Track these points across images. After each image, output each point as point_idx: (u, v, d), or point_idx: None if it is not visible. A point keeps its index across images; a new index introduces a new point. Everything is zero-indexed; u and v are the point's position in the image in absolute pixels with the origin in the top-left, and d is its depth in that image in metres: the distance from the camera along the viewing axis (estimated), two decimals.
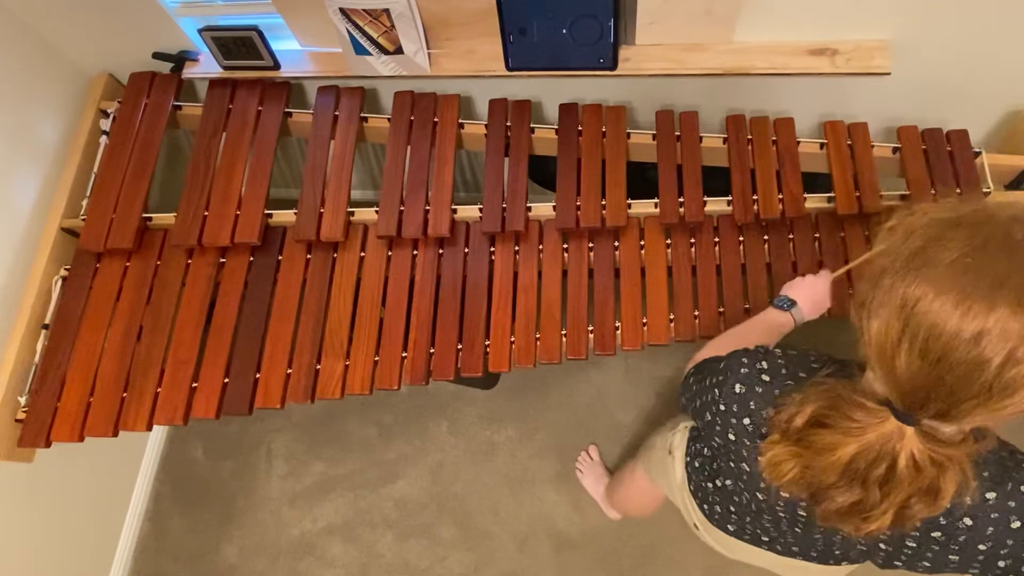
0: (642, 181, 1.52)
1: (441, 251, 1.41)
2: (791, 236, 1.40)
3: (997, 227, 0.59)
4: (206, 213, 1.41)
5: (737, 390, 0.80)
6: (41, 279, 1.39)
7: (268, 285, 1.39)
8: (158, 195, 1.76)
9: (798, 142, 1.45)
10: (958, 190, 1.39)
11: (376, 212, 1.41)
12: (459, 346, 1.33)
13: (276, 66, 1.49)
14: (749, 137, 1.45)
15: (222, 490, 1.93)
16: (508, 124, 1.48)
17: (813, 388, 0.70)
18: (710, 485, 1.00)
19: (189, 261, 1.41)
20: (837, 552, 0.89)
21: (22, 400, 1.33)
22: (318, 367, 1.32)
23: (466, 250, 1.41)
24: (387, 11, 1.31)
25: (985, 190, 1.39)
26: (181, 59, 1.52)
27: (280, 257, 1.41)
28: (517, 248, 1.41)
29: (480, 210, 1.41)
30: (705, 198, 1.40)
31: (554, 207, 1.40)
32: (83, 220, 1.42)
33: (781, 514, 0.85)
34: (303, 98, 1.60)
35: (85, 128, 1.50)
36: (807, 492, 0.71)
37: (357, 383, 1.30)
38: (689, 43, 1.39)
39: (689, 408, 0.92)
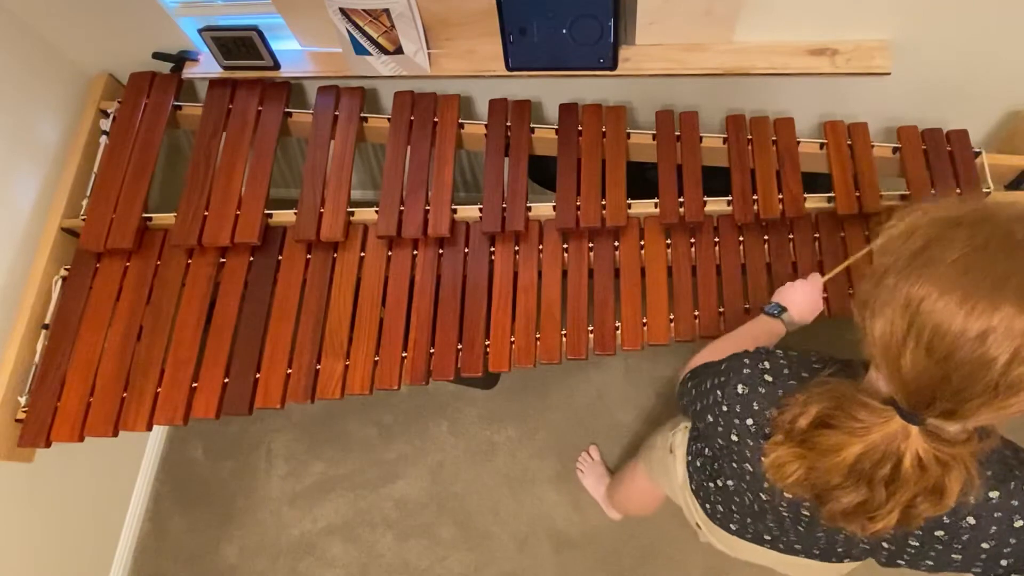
0: (642, 181, 1.52)
1: (441, 251, 1.41)
2: (791, 236, 1.40)
3: (998, 226, 0.59)
4: (206, 213, 1.41)
5: (740, 391, 0.80)
6: (41, 279, 1.39)
7: (268, 285, 1.39)
8: (158, 195, 1.76)
9: (798, 142, 1.45)
10: (958, 190, 1.39)
11: (376, 212, 1.41)
12: (459, 346, 1.33)
13: (276, 66, 1.49)
14: (749, 137, 1.46)
15: (222, 490, 1.93)
16: (508, 124, 1.48)
17: (817, 388, 0.70)
18: (712, 485, 1.00)
19: (189, 261, 1.41)
20: (840, 550, 0.89)
21: (22, 400, 1.33)
22: (318, 367, 1.32)
23: (466, 250, 1.41)
24: (387, 11, 1.31)
25: (985, 190, 1.39)
26: (181, 59, 1.52)
27: (280, 257, 1.41)
28: (517, 248, 1.41)
29: (480, 210, 1.41)
30: (705, 198, 1.40)
31: (554, 207, 1.40)
32: (83, 220, 1.42)
33: (784, 514, 0.85)
34: (303, 98, 1.60)
35: (85, 128, 1.50)
36: (812, 493, 0.71)
37: (357, 383, 1.30)
38: (689, 43, 1.39)
39: (689, 411, 0.92)
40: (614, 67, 1.39)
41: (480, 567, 1.81)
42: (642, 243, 1.40)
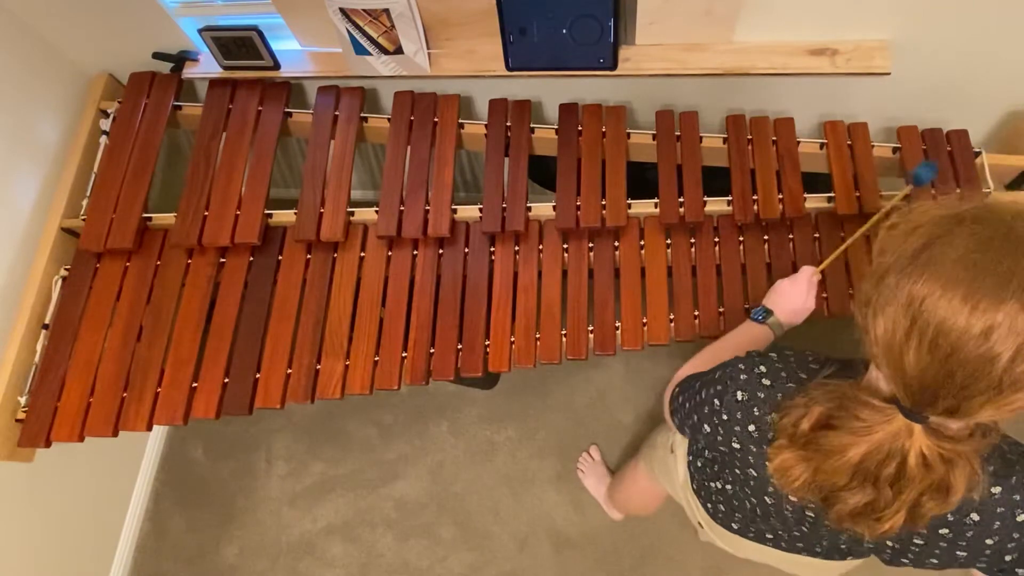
0: (642, 181, 1.52)
1: (441, 251, 1.41)
2: (791, 236, 1.40)
3: (1000, 223, 0.59)
4: (206, 213, 1.41)
5: (739, 397, 0.79)
6: (41, 279, 1.39)
7: (268, 285, 1.39)
8: (158, 195, 1.76)
9: (798, 142, 1.45)
10: (958, 190, 1.39)
11: (376, 212, 1.41)
12: (459, 346, 1.33)
13: (276, 66, 1.49)
14: (749, 137, 1.45)
15: (222, 490, 1.93)
16: (508, 124, 1.48)
17: (817, 390, 0.70)
18: (713, 485, 1.00)
19: (189, 261, 1.41)
20: (843, 547, 0.89)
21: (22, 400, 1.33)
22: (318, 367, 1.32)
23: (466, 250, 1.41)
24: (387, 11, 1.31)
25: (985, 190, 1.39)
26: (181, 59, 1.52)
27: (280, 257, 1.41)
28: (517, 248, 1.41)
29: (480, 210, 1.41)
30: (705, 198, 1.40)
31: (554, 207, 1.40)
32: (83, 220, 1.42)
33: (789, 515, 0.85)
34: (303, 98, 1.60)
35: (85, 128, 1.50)
36: (818, 496, 0.71)
37: (357, 383, 1.30)
38: (689, 43, 1.39)
39: (685, 425, 0.90)
40: (614, 67, 1.39)
41: (480, 567, 1.81)
42: (642, 243, 1.40)
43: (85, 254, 1.41)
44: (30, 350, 1.36)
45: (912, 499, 0.65)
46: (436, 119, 1.49)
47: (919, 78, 1.42)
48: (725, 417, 0.81)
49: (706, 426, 0.84)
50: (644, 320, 1.34)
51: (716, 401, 0.82)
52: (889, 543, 0.80)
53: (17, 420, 1.32)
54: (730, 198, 1.39)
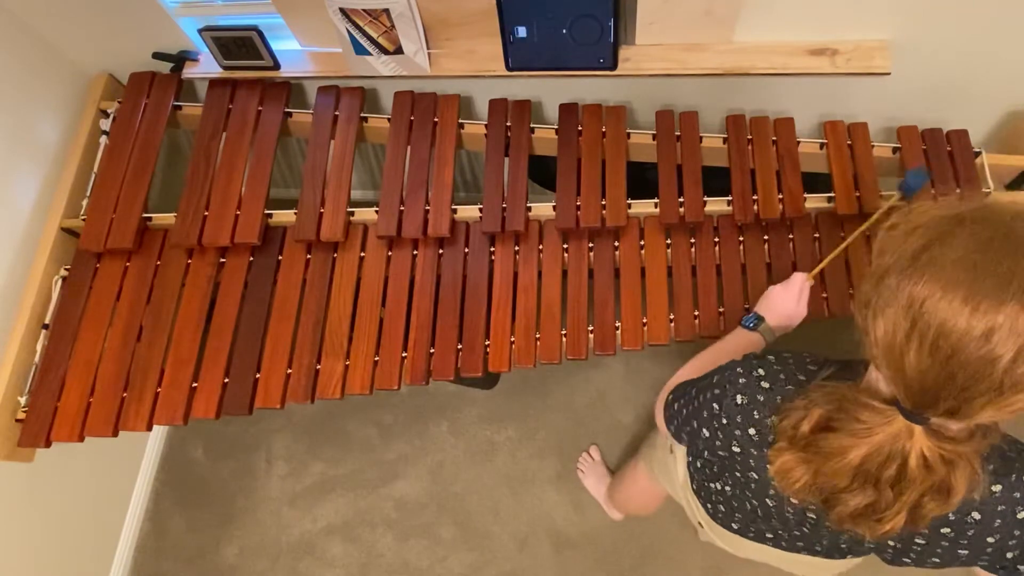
0: (642, 181, 1.52)
1: (441, 251, 1.41)
2: (791, 236, 1.40)
3: (1000, 224, 0.59)
4: (206, 213, 1.41)
5: (739, 401, 0.79)
6: (41, 279, 1.39)
7: (268, 285, 1.39)
8: (158, 195, 1.76)
9: (798, 142, 1.45)
10: (958, 190, 1.39)
11: (376, 212, 1.41)
12: (459, 346, 1.33)
13: (276, 66, 1.49)
14: (749, 137, 1.45)
15: (222, 490, 1.93)
16: (508, 124, 1.48)
17: (817, 392, 0.70)
18: (713, 486, 1.00)
19: (189, 261, 1.41)
20: (843, 546, 0.89)
21: (22, 400, 1.33)
22: (318, 367, 1.32)
23: (466, 250, 1.41)
24: (387, 11, 1.31)
25: (985, 190, 1.39)
26: (181, 59, 1.52)
27: (280, 257, 1.41)
28: (517, 248, 1.41)
29: (480, 210, 1.41)
30: (705, 198, 1.40)
31: (554, 207, 1.40)
32: (83, 220, 1.42)
33: (790, 516, 0.85)
34: (303, 98, 1.60)
35: (85, 128, 1.50)
36: (819, 498, 0.71)
37: (357, 383, 1.30)
38: (689, 43, 1.39)
39: (683, 432, 0.90)
40: (614, 67, 1.39)
41: (480, 567, 1.81)
42: (642, 243, 1.40)
43: (85, 254, 1.41)
44: (30, 350, 1.36)
45: (913, 500, 0.65)
46: (436, 119, 1.49)
47: (919, 78, 1.42)
48: (724, 421, 0.81)
49: (705, 431, 0.84)
50: (644, 320, 1.34)
51: (715, 405, 0.82)
52: (890, 543, 0.80)
53: (17, 420, 1.32)
54: (730, 198, 1.39)
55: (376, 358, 1.32)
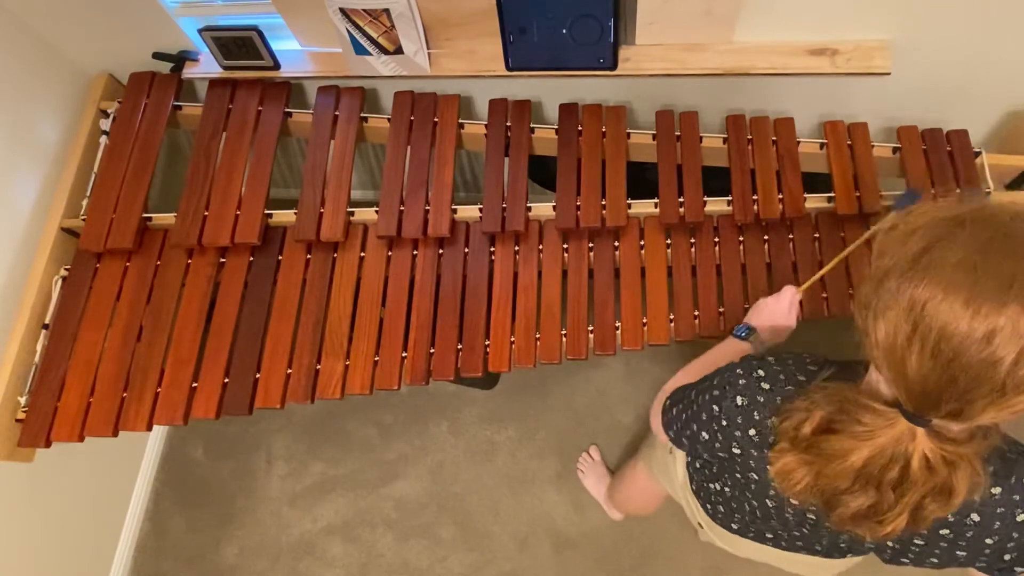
0: (642, 181, 1.52)
1: (441, 251, 1.41)
2: (791, 236, 1.40)
3: (1000, 226, 0.59)
4: (206, 213, 1.41)
5: (739, 402, 0.79)
6: (41, 279, 1.39)
7: (268, 285, 1.39)
8: (158, 195, 1.76)
9: (798, 142, 1.45)
10: (958, 190, 1.39)
11: (376, 212, 1.41)
12: (459, 346, 1.33)
13: (276, 66, 1.49)
14: (749, 137, 1.45)
15: (222, 490, 1.93)
16: (508, 124, 1.48)
17: (818, 393, 0.70)
18: (712, 486, 1.00)
19: (189, 261, 1.41)
20: (842, 546, 0.89)
21: (22, 400, 1.33)
22: (318, 367, 1.32)
23: (466, 250, 1.41)
24: (387, 11, 1.31)
25: (985, 190, 1.39)
26: (181, 59, 1.52)
27: (280, 257, 1.41)
28: (517, 248, 1.41)
29: (480, 210, 1.41)
30: (705, 198, 1.40)
31: (554, 207, 1.40)
32: (83, 220, 1.42)
33: (790, 517, 0.85)
34: (303, 98, 1.60)
35: (85, 128, 1.50)
36: (820, 500, 0.71)
37: (357, 383, 1.30)
38: (689, 43, 1.39)
39: (682, 436, 0.90)
40: (614, 67, 1.39)
41: (480, 567, 1.81)
42: (642, 243, 1.40)
43: (85, 254, 1.41)
44: (30, 350, 1.36)
45: (914, 502, 0.65)
46: (436, 119, 1.49)
47: (919, 78, 1.42)
48: (725, 423, 0.81)
49: (704, 433, 0.84)
50: (644, 320, 1.34)
51: (715, 407, 0.82)
52: (889, 543, 0.80)
53: (17, 420, 1.32)
54: (730, 198, 1.40)
55: (376, 358, 1.32)
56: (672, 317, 1.35)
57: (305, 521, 1.88)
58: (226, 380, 1.31)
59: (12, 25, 1.38)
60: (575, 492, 1.87)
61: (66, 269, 1.43)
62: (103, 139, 1.50)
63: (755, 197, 1.39)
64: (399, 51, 1.40)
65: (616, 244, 1.40)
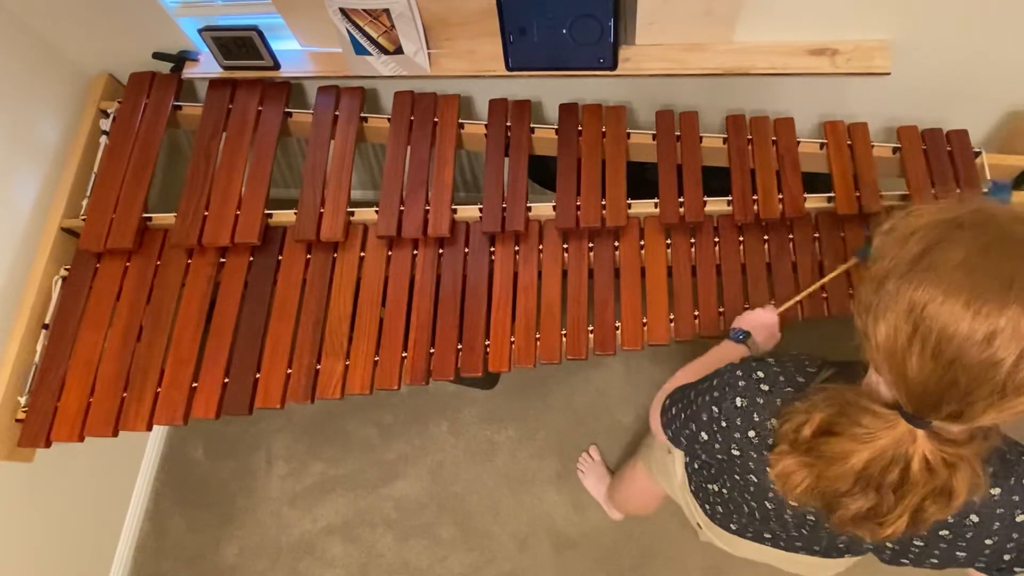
0: (642, 181, 1.52)
1: (441, 251, 1.41)
2: (791, 236, 1.40)
3: (998, 227, 0.59)
4: (206, 213, 1.41)
5: (739, 404, 0.79)
6: (41, 279, 1.39)
7: (268, 285, 1.39)
8: (158, 195, 1.76)
9: (798, 142, 1.45)
10: (958, 190, 1.39)
11: (376, 212, 1.41)
12: (459, 346, 1.33)
13: (276, 66, 1.49)
14: (749, 137, 1.45)
15: (222, 490, 1.93)
16: (508, 124, 1.48)
17: (818, 395, 0.70)
18: (711, 487, 1.00)
19: (189, 261, 1.41)
20: (841, 546, 0.89)
21: (22, 400, 1.33)
22: (318, 367, 1.32)
23: (466, 250, 1.41)
24: (387, 11, 1.31)
25: (985, 190, 1.39)
26: (181, 59, 1.52)
27: (280, 257, 1.41)
28: (517, 248, 1.41)
29: (480, 210, 1.41)
30: (705, 198, 1.40)
31: (554, 207, 1.40)
32: (83, 220, 1.42)
33: (789, 519, 0.85)
34: (303, 98, 1.60)
35: (85, 128, 1.50)
36: (820, 502, 0.70)
37: (357, 383, 1.30)
38: (689, 43, 1.39)
39: (681, 436, 0.90)
40: (614, 67, 1.39)
41: (480, 567, 1.81)
42: (642, 243, 1.40)
43: (85, 254, 1.41)
44: (30, 350, 1.36)
45: (915, 504, 0.65)
46: (436, 119, 1.49)
47: (919, 78, 1.41)
48: (724, 424, 0.81)
49: (703, 434, 0.84)
50: (644, 320, 1.34)
51: (714, 408, 0.81)
52: (889, 544, 0.80)
53: (17, 420, 1.32)
54: (730, 198, 1.39)
55: (376, 358, 1.32)
56: (672, 317, 1.35)
57: (305, 521, 1.88)
58: (226, 380, 1.31)
59: (12, 25, 1.38)
60: (575, 492, 1.87)
61: (66, 269, 1.43)
62: (103, 139, 1.50)
63: (755, 197, 1.39)
64: (399, 51, 1.40)
65: (616, 244, 1.40)
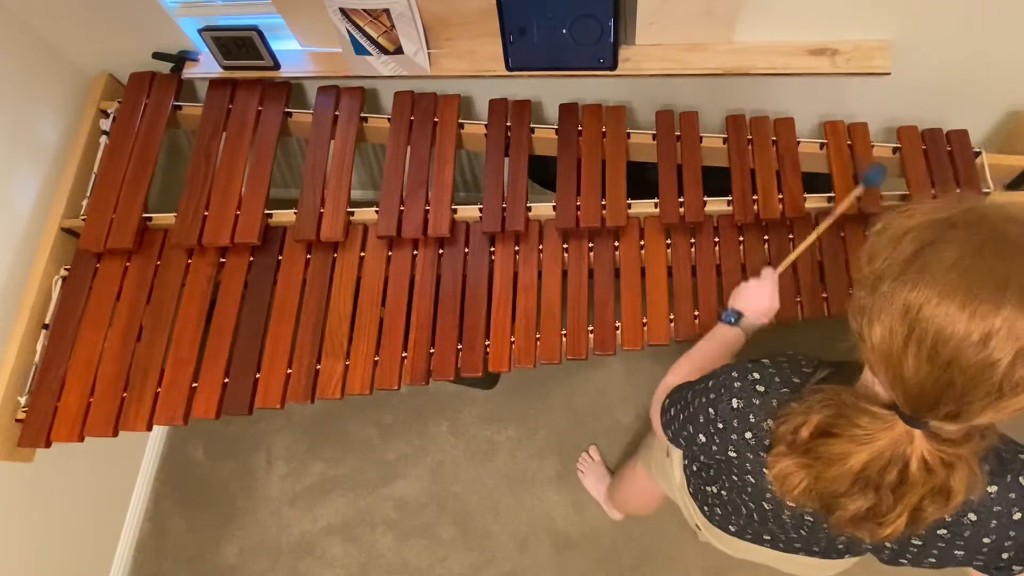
0: (642, 181, 1.52)
1: (441, 251, 1.41)
2: (791, 236, 1.40)
3: (992, 227, 0.59)
4: (206, 213, 1.41)
5: (735, 405, 0.79)
6: (41, 279, 1.39)
7: (268, 285, 1.39)
8: (158, 195, 1.76)
9: (798, 142, 1.45)
10: (958, 190, 1.39)
11: (376, 212, 1.41)
12: (459, 346, 1.33)
13: (276, 66, 1.49)
14: (749, 137, 1.45)
15: (222, 490, 1.93)
16: (508, 124, 1.48)
17: (815, 396, 0.70)
18: (709, 489, 1.00)
19: (189, 261, 1.41)
20: (840, 547, 0.89)
21: (22, 400, 1.33)
22: (318, 367, 1.32)
23: (466, 250, 1.41)
24: (387, 11, 1.31)
25: (985, 190, 1.39)
26: (181, 59, 1.52)
27: (280, 257, 1.41)
28: (517, 248, 1.41)
29: (480, 210, 1.41)
30: (705, 198, 1.40)
31: (554, 207, 1.40)
32: (83, 220, 1.42)
33: (787, 520, 0.85)
34: (303, 98, 1.60)
35: (85, 128, 1.50)
36: (819, 502, 0.70)
37: (357, 383, 1.30)
38: (689, 43, 1.39)
39: (680, 437, 0.90)
40: (614, 67, 1.39)
41: (480, 567, 1.81)
42: (642, 243, 1.40)
43: (85, 254, 1.41)
44: (30, 350, 1.36)
45: (913, 504, 0.65)
46: (436, 119, 1.49)
47: (919, 78, 1.42)
48: (721, 426, 0.81)
49: (701, 436, 0.84)
50: (644, 320, 1.34)
51: (711, 410, 0.81)
52: (887, 544, 0.80)
53: (17, 420, 1.32)
54: (730, 198, 1.39)
55: (376, 358, 1.32)
56: (672, 317, 1.35)
57: (305, 521, 1.88)
58: (226, 380, 1.31)
59: (12, 25, 1.38)
60: (575, 492, 1.87)
61: (66, 269, 1.43)
62: (103, 139, 1.50)
63: (755, 197, 1.39)
64: (399, 51, 1.40)
65: (616, 244, 1.40)
